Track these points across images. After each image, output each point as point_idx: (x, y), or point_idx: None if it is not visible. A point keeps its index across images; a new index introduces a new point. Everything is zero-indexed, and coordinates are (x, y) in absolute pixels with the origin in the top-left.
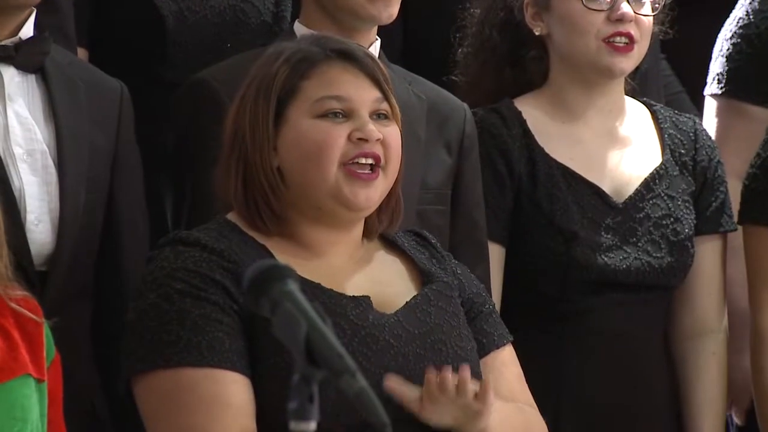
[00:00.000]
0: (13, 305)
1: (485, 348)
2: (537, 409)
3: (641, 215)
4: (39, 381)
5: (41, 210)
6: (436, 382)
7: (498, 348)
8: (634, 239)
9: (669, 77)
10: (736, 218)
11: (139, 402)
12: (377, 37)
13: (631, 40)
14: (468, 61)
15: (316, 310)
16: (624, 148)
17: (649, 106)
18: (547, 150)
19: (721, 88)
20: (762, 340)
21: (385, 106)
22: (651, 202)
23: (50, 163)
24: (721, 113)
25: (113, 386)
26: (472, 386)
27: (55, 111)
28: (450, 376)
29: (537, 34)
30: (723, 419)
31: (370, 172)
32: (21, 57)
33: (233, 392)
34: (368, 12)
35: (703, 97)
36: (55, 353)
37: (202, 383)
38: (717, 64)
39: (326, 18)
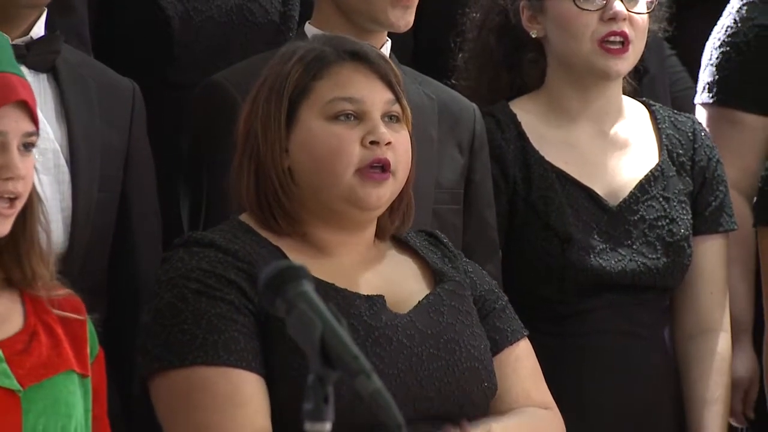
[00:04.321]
0: (56, 311)
1: (498, 345)
2: (554, 405)
3: (635, 218)
4: (83, 376)
5: (53, 209)
6: None
7: (511, 344)
8: (629, 241)
9: (680, 72)
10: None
11: (155, 401)
12: (387, 38)
13: (626, 40)
14: (467, 65)
15: (331, 310)
16: (620, 150)
17: (648, 105)
18: (542, 153)
19: (712, 96)
20: None
21: (396, 107)
22: (646, 204)
23: (62, 162)
24: (712, 122)
25: (126, 384)
26: None
27: (67, 110)
28: None
29: (533, 36)
30: (726, 417)
31: (381, 172)
32: (32, 56)
33: (248, 391)
34: (387, 18)
35: None
36: (99, 349)
37: (218, 382)
38: (706, 73)
39: (342, 20)
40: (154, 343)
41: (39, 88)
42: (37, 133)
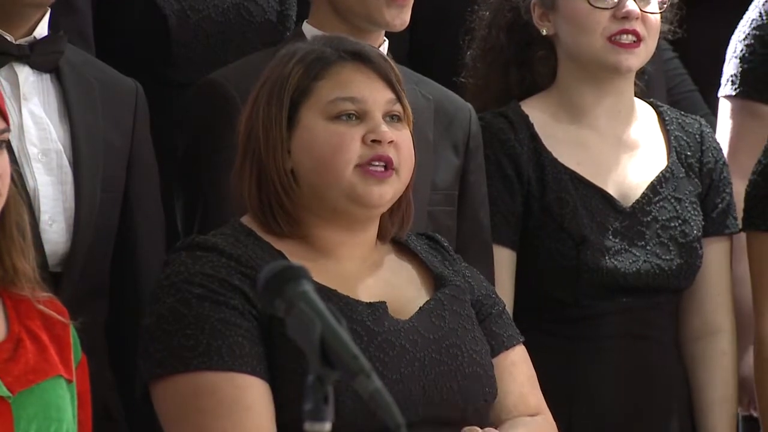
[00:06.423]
0: (42, 307)
1: (495, 350)
2: (547, 411)
3: (649, 218)
4: (68, 382)
5: (55, 210)
6: None
7: (508, 349)
8: (643, 242)
9: (681, 75)
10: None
11: (158, 406)
12: (385, 38)
13: (637, 38)
14: (476, 63)
15: (331, 310)
16: (631, 151)
17: (656, 107)
18: (554, 154)
19: (735, 89)
20: (764, 346)
21: (398, 107)
22: (658, 204)
23: (65, 162)
24: (735, 115)
25: (128, 386)
26: None
27: (70, 110)
28: None
29: (544, 34)
30: (735, 419)
31: (383, 170)
32: (36, 56)
33: (253, 396)
34: (383, 18)
35: (715, 96)
36: (82, 355)
37: (222, 387)
38: (731, 66)
39: (338, 20)
40: (156, 347)
41: (42, 88)
42: (8, 129)
